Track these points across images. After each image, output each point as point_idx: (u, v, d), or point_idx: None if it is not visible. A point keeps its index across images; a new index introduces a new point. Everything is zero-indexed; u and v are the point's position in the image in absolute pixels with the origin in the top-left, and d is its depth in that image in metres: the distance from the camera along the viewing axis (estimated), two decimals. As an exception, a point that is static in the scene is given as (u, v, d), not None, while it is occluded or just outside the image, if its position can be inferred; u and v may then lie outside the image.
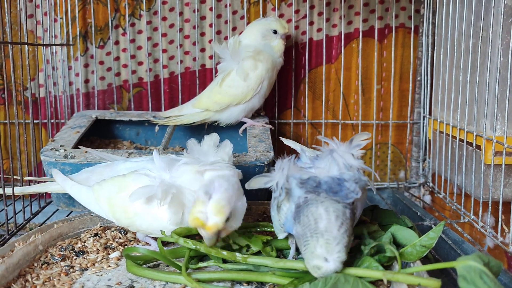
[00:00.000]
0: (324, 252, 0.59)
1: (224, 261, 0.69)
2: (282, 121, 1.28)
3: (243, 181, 0.75)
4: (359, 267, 0.65)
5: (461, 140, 1.02)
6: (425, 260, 0.71)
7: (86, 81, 1.23)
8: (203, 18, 1.23)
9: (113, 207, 0.74)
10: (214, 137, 0.80)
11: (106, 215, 0.76)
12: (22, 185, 0.92)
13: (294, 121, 1.28)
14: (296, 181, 0.66)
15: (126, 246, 0.78)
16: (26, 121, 1.15)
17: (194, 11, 1.22)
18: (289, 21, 1.22)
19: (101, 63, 1.23)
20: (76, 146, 0.98)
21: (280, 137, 0.92)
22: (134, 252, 0.72)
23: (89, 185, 0.78)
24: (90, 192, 0.77)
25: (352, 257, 0.67)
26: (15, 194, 0.85)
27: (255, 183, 0.71)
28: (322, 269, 0.59)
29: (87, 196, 0.78)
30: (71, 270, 0.71)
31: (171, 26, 1.22)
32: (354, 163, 0.68)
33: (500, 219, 0.90)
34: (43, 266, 0.71)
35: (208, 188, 0.66)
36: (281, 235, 0.71)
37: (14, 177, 0.93)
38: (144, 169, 0.75)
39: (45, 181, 0.89)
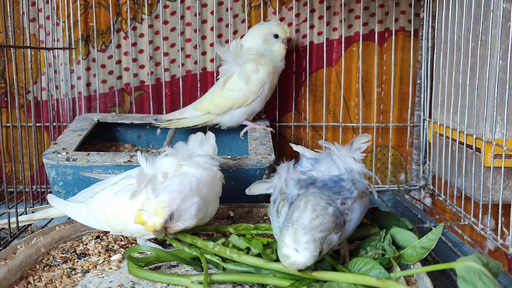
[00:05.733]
0: (291, 241, 0.58)
1: (224, 261, 0.70)
2: (283, 124, 1.28)
3: (244, 184, 0.75)
4: (360, 269, 0.65)
5: (461, 143, 1.02)
6: (425, 262, 0.71)
7: (88, 84, 1.24)
8: (204, 21, 1.23)
9: (106, 215, 0.75)
10: (199, 135, 0.83)
11: (102, 226, 0.77)
12: (24, 187, 0.93)
13: (295, 124, 1.28)
14: (294, 182, 0.66)
15: (127, 248, 0.79)
16: (28, 124, 1.16)
17: (195, 14, 1.22)
18: (289, 24, 1.23)
19: (103, 66, 1.23)
20: (78, 149, 0.99)
21: (290, 144, 0.93)
22: (136, 252, 0.72)
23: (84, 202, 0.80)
24: (85, 208, 0.78)
25: (353, 258, 0.67)
26: (19, 221, 0.86)
27: (256, 189, 0.71)
28: (290, 258, 0.58)
29: (83, 212, 0.78)
30: (73, 272, 0.71)
31: (173, 29, 1.23)
32: (355, 166, 0.68)
33: (500, 222, 0.90)
34: (45, 268, 0.72)
35: (158, 187, 0.69)
36: None
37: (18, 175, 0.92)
38: (133, 174, 0.77)
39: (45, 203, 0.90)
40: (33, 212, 0.88)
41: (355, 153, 0.70)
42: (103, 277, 0.70)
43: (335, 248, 0.63)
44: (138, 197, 0.71)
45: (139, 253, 0.77)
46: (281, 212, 0.66)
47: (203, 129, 1.15)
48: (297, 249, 0.57)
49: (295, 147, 0.89)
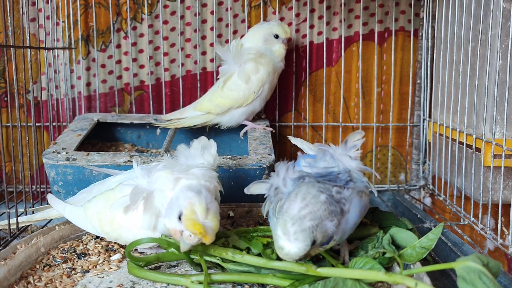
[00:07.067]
0: (281, 233, 0.58)
1: (224, 261, 0.70)
2: (283, 124, 1.28)
3: (244, 183, 0.75)
4: (360, 268, 0.65)
5: (461, 143, 1.02)
6: (425, 262, 0.71)
7: (88, 84, 1.24)
8: (204, 21, 1.23)
9: (101, 221, 0.75)
10: (202, 140, 0.80)
11: (97, 232, 0.77)
12: (24, 187, 0.93)
13: (295, 124, 1.28)
14: (292, 182, 0.66)
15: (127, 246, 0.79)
16: (28, 124, 1.16)
17: (195, 14, 1.22)
18: (289, 24, 1.23)
19: (103, 66, 1.23)
20: (78, 148, 0.99)
21: (288, 136, 0.93)
22: (137, 246, 0.72)
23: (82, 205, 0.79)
24: (82, 211, 0.77)
25: (353, 258, 0.67)
26: (19, 222, 0.86)
27: (255, 188, 0.71)
28: (285, 249, 0.58)
29: (80, 216, 0.78)
30: (72, 272, 0.71)
31: (173, 29, 1.23)
32: (352, 164, 0.68)
33: (499, 221, 0.90)
34: (45, 268, 0.72)
35: (202, 196, 0.66)
36: None
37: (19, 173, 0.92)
38: (130, 179, 0.76)
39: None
40: (33, 212, 0.88)
41: (351, 151, 0.70)
42: (103, 277, 0.70)
43: (335, 243, 0.63)
44: (131, 212, 0.71)
45: (139, 253, 0.77)
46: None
47: (203, 129, 1.15)
48: (289, 239, 0.58)
49: (293, 140, 0.89)
